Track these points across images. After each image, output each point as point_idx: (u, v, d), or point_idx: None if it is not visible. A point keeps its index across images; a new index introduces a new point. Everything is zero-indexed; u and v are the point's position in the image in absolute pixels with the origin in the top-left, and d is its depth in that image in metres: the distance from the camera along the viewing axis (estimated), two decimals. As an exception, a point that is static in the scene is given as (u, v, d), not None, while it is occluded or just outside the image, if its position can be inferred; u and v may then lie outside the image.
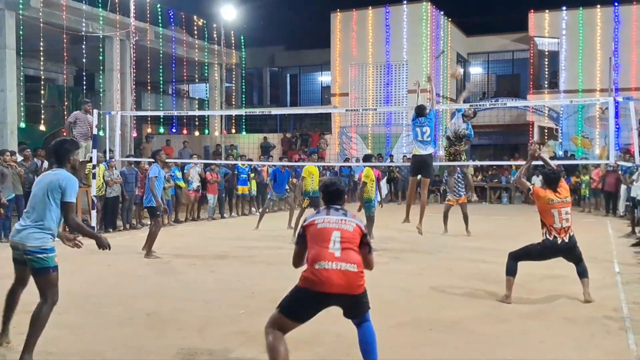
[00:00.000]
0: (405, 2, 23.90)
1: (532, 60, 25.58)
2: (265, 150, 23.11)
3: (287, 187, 13.52)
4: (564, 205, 6.48)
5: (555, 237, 6.45)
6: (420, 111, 9.73)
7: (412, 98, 23.37)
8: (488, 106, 19.55)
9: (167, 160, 11.70)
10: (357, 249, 4.20)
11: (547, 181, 6.61)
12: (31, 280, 4.78)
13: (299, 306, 4.10)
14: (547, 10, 24.48)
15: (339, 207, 4.40)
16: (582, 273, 6.69)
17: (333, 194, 4.47)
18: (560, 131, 23.76)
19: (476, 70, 30.36)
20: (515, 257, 6.70)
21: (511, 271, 6.62)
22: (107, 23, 18.49)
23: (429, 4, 23.84)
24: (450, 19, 26.14)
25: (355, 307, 4.21)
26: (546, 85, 25.22)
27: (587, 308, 6.30)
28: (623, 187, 14.86)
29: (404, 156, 21.82)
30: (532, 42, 25.36)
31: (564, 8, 24.04)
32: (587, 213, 17.17)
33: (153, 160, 9.90)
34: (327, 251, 4.09)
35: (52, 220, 4.71)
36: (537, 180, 10.64)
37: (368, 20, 24.34)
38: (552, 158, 21.69)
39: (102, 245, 4.97)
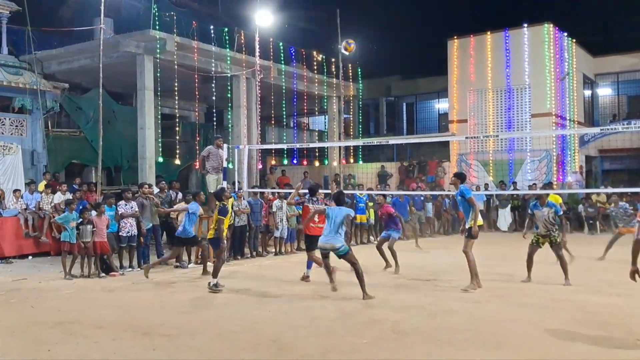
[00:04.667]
0: (525, 25, 23.23)
1: (669, 79, 23.79)
2: (383, 178, 23.21)
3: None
4: None
5: None
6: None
7: (535, 123, 22.54)
8: (620, 129, 18.29)
9: (288, 191, 12.16)
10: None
11: None
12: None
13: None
14: (684, 24, 22.78)
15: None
16: None
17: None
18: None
19: (605, 92, 28.65)
20: None
21: None
22: (234, 63, 19.68)
23: (552, 25, 22.99)
24: (574, 40, 25.01)
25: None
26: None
27: None
28: None
29: (534, 184, 20.53)
30: (668, 59, 23.62)
31: None
32: None
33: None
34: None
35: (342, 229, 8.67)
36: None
37: (486, 45, 23.89)
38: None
39: None
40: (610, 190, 18.51)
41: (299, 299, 8.56)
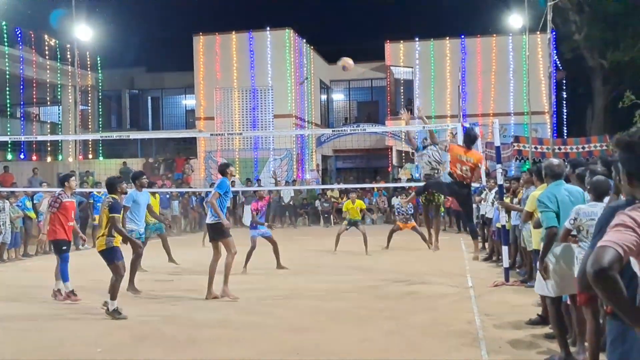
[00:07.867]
0: (268, 28, 24.20)
1: (389, 88, 27.02)
2: (126, 176, 22.03)
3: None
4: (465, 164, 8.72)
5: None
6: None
7: (278, 123, 23.63)
8: (349, 131, 20.23)
9: (12, 189, 10.75)
10: None
11: (466, 140, 8.86)
12: None
13: None
14: (401, 41, 26.04)
15: None
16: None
17: None
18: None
19: (338, 97, 31.43)
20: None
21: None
22: (-58, 40, 16.85)
23: (292, 31, 24.31)
24: (312, 47, 26.84)
25: None
26: (402, 112, 26.67)
27: (443, 322, 6.61)
28: (473, 206, 15.80)
29: (278, 181, 21.72)
30: (388, 71, 26.81)
31: (417, 39, 25.72)
32: (443, 231, 18.04)
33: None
34: None
35: None
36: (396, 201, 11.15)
37: (232, 45, 24.31)
38: (409, 180, 23.03)
39: None
40: (342, 186, 20.29)
41: (30, 309, 7.60)
